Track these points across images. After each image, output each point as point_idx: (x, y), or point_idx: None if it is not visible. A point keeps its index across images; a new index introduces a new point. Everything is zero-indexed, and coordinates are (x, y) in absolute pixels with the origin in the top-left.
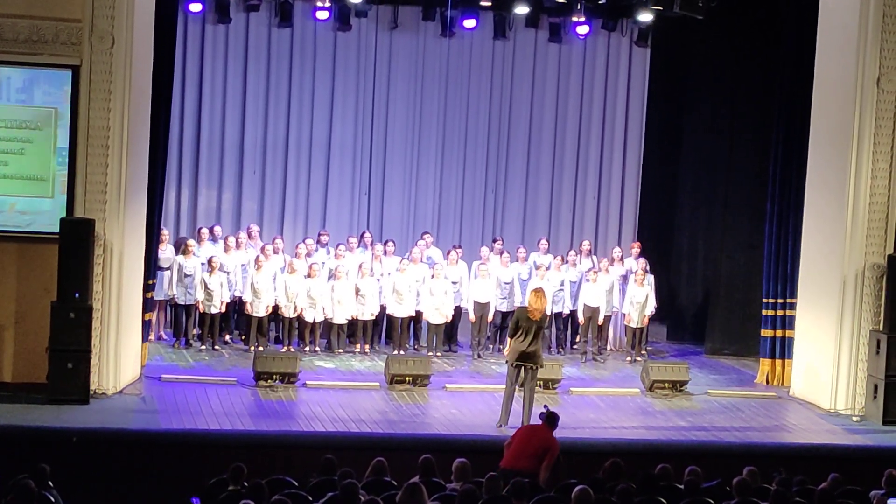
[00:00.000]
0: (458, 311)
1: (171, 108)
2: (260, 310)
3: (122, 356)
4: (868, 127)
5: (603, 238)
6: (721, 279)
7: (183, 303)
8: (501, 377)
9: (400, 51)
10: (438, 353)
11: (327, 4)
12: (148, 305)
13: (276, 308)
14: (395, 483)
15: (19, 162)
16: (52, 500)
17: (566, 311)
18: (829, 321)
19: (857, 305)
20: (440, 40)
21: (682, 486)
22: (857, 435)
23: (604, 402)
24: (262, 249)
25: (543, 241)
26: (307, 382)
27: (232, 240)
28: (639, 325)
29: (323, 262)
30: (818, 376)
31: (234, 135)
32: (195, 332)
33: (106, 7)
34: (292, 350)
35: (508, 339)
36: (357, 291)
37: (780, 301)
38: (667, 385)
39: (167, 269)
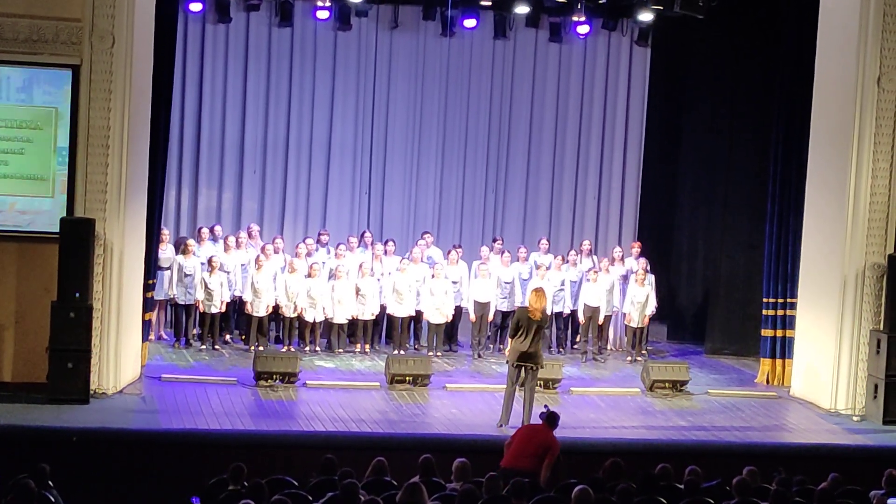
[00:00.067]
0: (459, 311)
1: (172, 108)
2: (260, 309)
3: (122, 356)
4: (868, 126)
5: (603, 238)
6: (721, 279)
7: (183, 302)
8: (502, 377)
9: (400, 50)
10: (439, 353)
11: (327, 4)
12: (148, 305)
13: (276, 308)
14: (395, 483)
15: (19, 161)
16: (52, 499)
17: (566, 311)
18: (830, 321)
19: (857, 305)
20: (440, 40)
21: (682, 486)
22: (857, 435)
23: (604, 402)
24: (263, 249)
25: (544, 241)
26: (307, 382)
27: (232, 239)
28: (639, 325)
29: (323, 262)
30: (818, 376)
31: (234, 134)
32: (195, 331)
33: (106, 6)
34: (292, 350)
35: (509, 340)
36: (357, 291)
37: (780, 301)
38: (667, 385)
39: (167, 268)
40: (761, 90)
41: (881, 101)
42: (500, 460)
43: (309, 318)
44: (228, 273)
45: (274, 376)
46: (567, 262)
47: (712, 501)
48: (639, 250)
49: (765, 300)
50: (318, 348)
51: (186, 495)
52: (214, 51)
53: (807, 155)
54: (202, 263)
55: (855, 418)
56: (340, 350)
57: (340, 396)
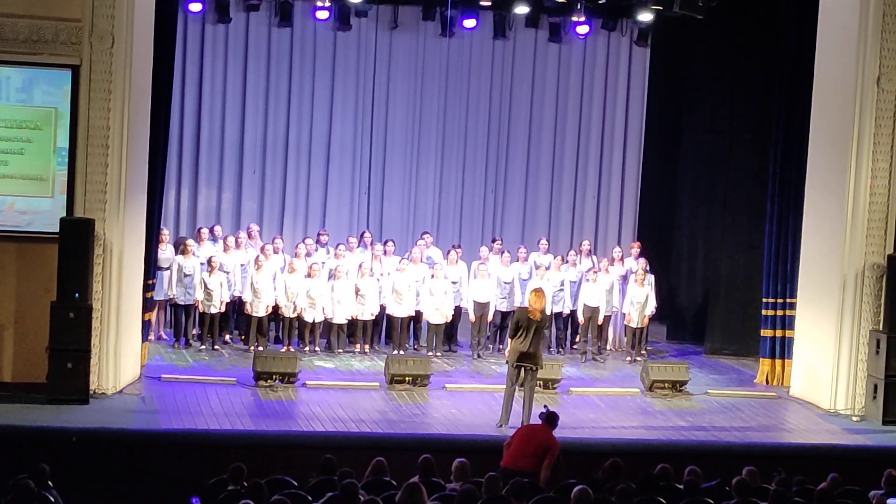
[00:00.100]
0: (458, 311)
1: (171, 108)
2: (260, 310)
3: (121, 356)
4: (868, 126)
5: (603, 238)
6: (721, 279)
7: (182, 303)
8: (501, 377)
9: (400, 50)
10: (438, 353)
11: (327, 4)
12: (148, 305)
13: (275, 308)
14: (394, 483)
15: (19, 161)
16: (52, 500)
17: (566, 311)
18: (829, 321)
19: (856, 305)
20: (440, 40)
21: (681, 487)
22: (856, 435)
23: (603, 402)
24: (262, 249)
25: (543, 241)
26: (307, 382)
27: (231, 239)
28: (639, 325)
29: (323, 262)
30: (818, 376)
31: (233, 134)
32: (195, 331)
33: (106, 7)
34: (292, 350)
35: (509, 340)
36: (357, 291)
37: (779, 301)
38: (666, 385)
39: (167, 269)
40: (761, 90)
41: (881, 102)
42: (499, 460)
43: (308, 318)
44: (228, 273)
45: (273, 376)
46: (567, 262)
47: (712, 501)
48: (638, 250)
49: (764, 300)
50: (317, 348)
51: (186, 495)
52: (214, 51)
53: (806, 155)
54: (202, 263)
55: (854, 418)
56: (340, 350)
57: (340, 396)
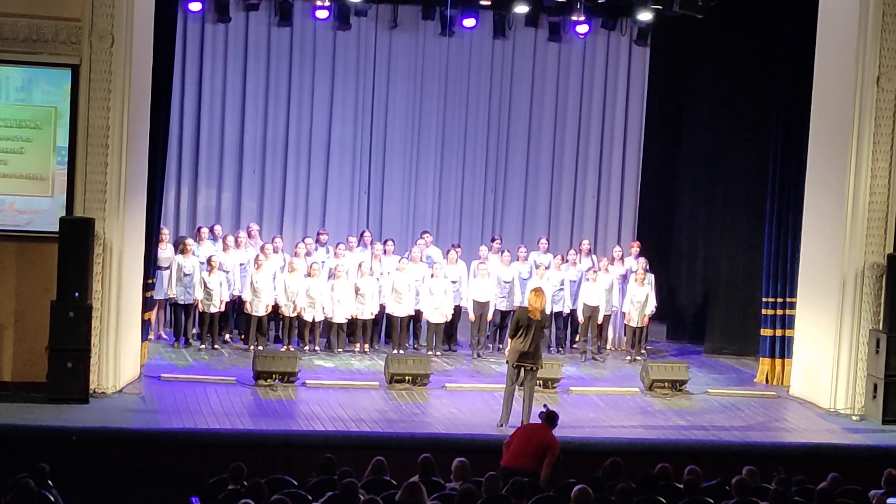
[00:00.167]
0: (458, 311)
1: (171, 108)
2: (259, 309)
3: (121, 355)
4: (868, 126)
5: (602, 237)
6: (721, 278)
7: (182, 302)
8: (501, 376)
9: (399, 50)
10: (438, 353)
11: (327, 3)
12: (147, 305)
13: (275, 307)
14: (394, 482)
15: (19, 161)
16: (52, 499)
17: (566, 311)
18: (829, 320)
19: (856, 305)
20: (440, 39)
21: (681, 486)
22: (856, 434)
23: (603, 402)
24: (262, 249)
25: (543, 241)
26: (307, 382)
27: (231, 239)
28: (639, 325)
29: (322, 262)
30: (818, 376)
31: (233, 134)
32: (194, 331)
33: (105, 6)
34: (292, 349)
35: (509, 340)
36: (357, 291)
37: (779, 300)
38: (666, 384)
39: (167, 268)
40: (761, 90)
41: (880, 101)
42: (499, 460)
43: (308, 317)
44: (228, 273)
45: (273, 376)
46: (566, 261)
47: (712, 501)
48: (638, 250)
49: (764, 300)
50: (317, 348)
51: (186, 495)
52: (214, 50)
53: (806, 155)
54: (201, 263)
55: (854, 418)
56: (340, 349)
57: (340, 396)
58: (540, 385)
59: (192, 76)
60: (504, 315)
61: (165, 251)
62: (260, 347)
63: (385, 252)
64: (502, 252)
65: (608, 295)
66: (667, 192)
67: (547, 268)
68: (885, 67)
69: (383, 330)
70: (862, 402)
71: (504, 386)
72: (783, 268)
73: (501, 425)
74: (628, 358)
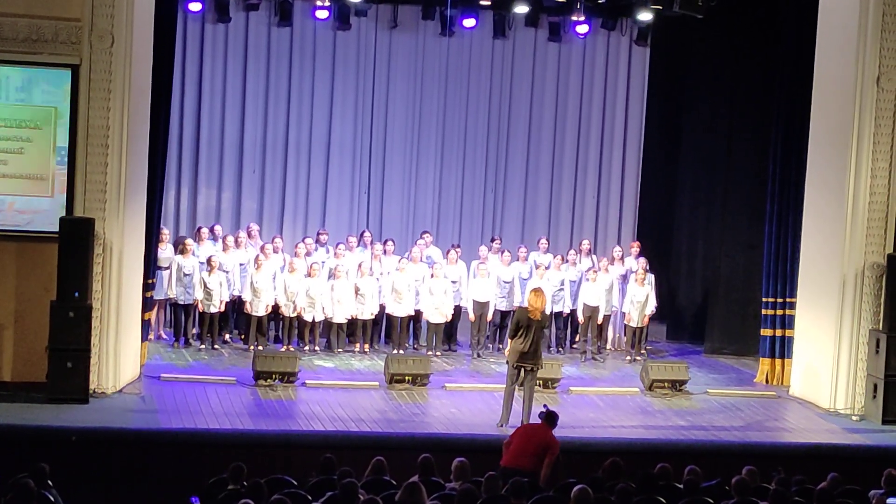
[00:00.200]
0: (458, 311)
1: (171, 108)
2: (259, 309)
3: (121, 355)
4: (868, 126)
5: (602, 237)
6: (720, 278)
7: (182, 302)
8: (501, 376)
9: (399, 50)
10: (438, 353)
11: (327, 3)
12: (147, 305)
13: (275, 307)
14: (394, 482)
15: (19, 161)
16: (52, 499)
17: (566, 311)
18: (829, 320)
19: (856, 305)
20: (440, 39)
21: (681, 486)
22: (856, 434)
23: (603, 402)
24: (262, 249)
25: (543, 241)
26: (307, 382)
27: (231, 239)
28: (639, 325)
29: (322, 262)
30: (818, 376)
31: (233, 134)
32: (194, 331)
33: (105, 6)
34: (292, 349)
35: (509, 340)
36: (356, 291)
37: (779, 300)
38: (666, 384)
39: (166, 268)
40: (761, 90)
41: (880, 101)
42: (499, 460)
43: (308, 317)
44: (227, 273)
45: (273, 376)
46: (566, 261)
47: (711, 501)
48: (638, 250)
49: (764, 300)
50: (317, 348)
51: (186, 495)
52: (214, 50)
53: (806, 155)
54: (201, 263)
55: (854, 418)
56: (340, 350)
57: (340, 396)
58: (540, 385)
59: (192, 76)
60: (504, 315)
61: (165, 251)
62: (260, 347)
63: (385, 252)
64: (502, 252)
65: (608, 295)
66: (667, 192)
67: (547, 268)
68: (884, 67)
69: (383, 330)
70: (862, 402)
71: (504, 386)
72: (783, 268)
73: (501, 425)
74: (628, 358)
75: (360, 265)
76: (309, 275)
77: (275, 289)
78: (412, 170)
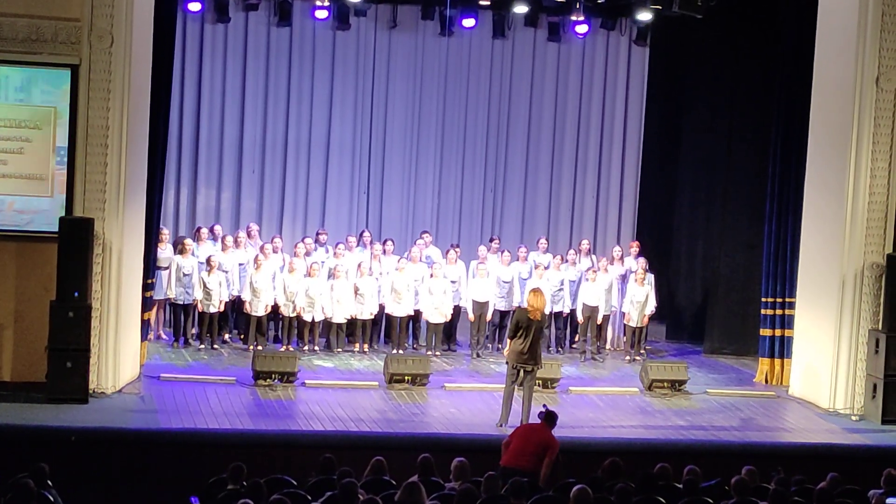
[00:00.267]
0: (457, 311)
1: (171, 108)
2: (259, 309)
3: (121, 355)
4: (867, 126)
5: (602, 237)
6: (720, 278)
7: (182, 302)
8: (500, 376)
9: (399, 50)
10: (437, 353)
11: (326, 3)
12: (147, 305)
13: (275, 307)
14: (394, 482)
15: (18, 161)
16: (52, 499)
17: (566, 311)
18: (829, 320)
19: (856, 304)
20: (439, 39)
21: (680, 486)
22: (855, 434)
23: (603, 402)
24: (262, 249)
25: (542, 241)
26: (306, 382)
27: (230, 239)
28: (638, 325)
29: (322, 262)
30: (817, 375)
31: (233, 134)
32: (194, 331)
33: (105, 6)
34: (291, 349)
35: (508, 341)
36: (356, 291)
37: (779, 300)
38: (666, 384)
39: (166, 268)
40: (760, 90)
41: (880, 101)
42: (498, 460)
43: (308, 317)
44: (227, 272)
45: (273, 376)
46: (566, 261)
47: (711, 501)
48: (637, 250)
49: (764, 300)
50: (316, 348)
51: (186, 495)
52: (213, 50)
53: (806, 154)
54: (200, 263)
55: (854, 418)
56: (339, 349)
57: (339, 396)
58: (539, 385)
59: (192, 76)
60: (503, 315)
61: (165, 251)
62: (259, 347)
63: (384, 252)
64: (502, 252)
65: (607, 295)
66: (666, 192)
67: (546, 268)
68: (884, 67)
69: (383, 330)
70: (861, 402)
71: (503, 386)
72: (783, 268)
73: (501, 425)
74: (627, 358)
75: (359, 265)
76: (308, 275)
77: (274, 289)
78: (411, 170)
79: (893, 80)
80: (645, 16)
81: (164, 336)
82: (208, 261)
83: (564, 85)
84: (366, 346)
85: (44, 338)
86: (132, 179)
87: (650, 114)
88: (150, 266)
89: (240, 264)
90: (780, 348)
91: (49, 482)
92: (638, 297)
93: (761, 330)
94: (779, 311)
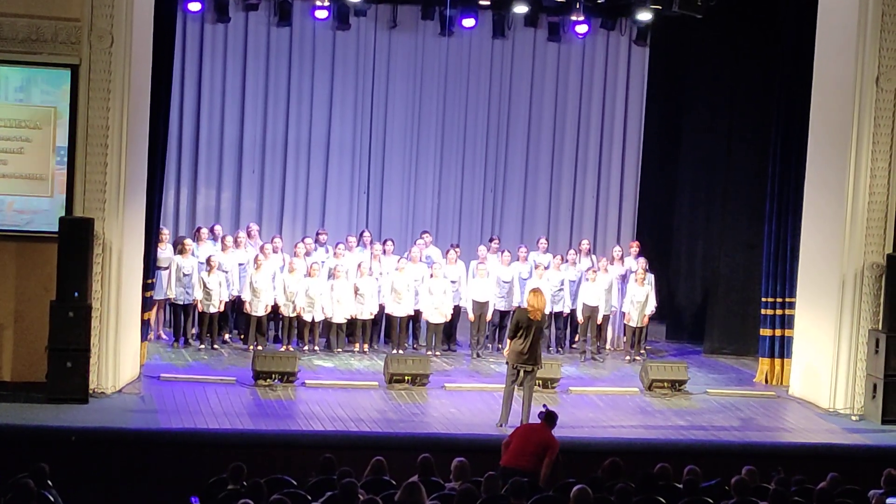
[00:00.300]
0: (457, 311)
1: (171, 108)
2: (259, 309)
3: (121, 355)
4: (867, 126)
5: (602, 237)
6: (720, 278)
7: (182, 302)
8: (500, 376)
9: (399, 50)
10: (437, 353)
11: (326, 3)
12: (147, 305)
13: (275, 307)
14: (394, 482)
15: (18, 161)
16: (52, 499)
17: (566, 311)
18: (829, 320)
19: (856, 304)
20: (439, 39)
21: (680, 486)
22: (855, 434)
23: (603, 402)
24: (262, 249)
25: (543, 241)
26: (306, 382)
27: (230, 239)
28: (639, 325)
29: (322, 262)
30: (817, 375)
31: (233, 134)
32: (194, 331)
33: (105, 6)
34: (291, 349)
35: (508, 341)
36: (356, 291)
37: (779, 300)
38: (666, 384)
39: (166, 268)
40: (760, 90)
41: (880, 101)
42: (498, 460)
43: (308, 317)
44: (227, 272)
45: (273, 376)
46: (566, 261)
47: (711, 501)
48: (637, 250)
49: (764, 299)
50: (316, 348)
51: (186, 495)
52: (213, 50)
53: (806, 154)
54: (200, 263)
55: (854, 418)
56: (339, 349)
57: (339, 396)
58: (539, 385)
59: (192, 76)
60: (503, 315)
61: (165, 251)
62: (259, 347)
63: (384, 252)
64: (502, 252)
65: (607, 295)
66: (666, 192)
67: (546, 268)
68: (884, 67)
69: (383, 330)
70: (861, 402)
71: (503, 386)
72: (783, 268)
73: (501, 425)
74: (627, 358)
75: (359, 265)
76: (308, 275)
77: (274, 289)
78: (411, 170)
79: (893, 80)
80: (645, 16)
81: (164, 336)
82: (208, 261)
83: (564, 85)
84: (366, 346)
85: (44, 338)
86: (132, 179)
87: (650, 114)
88: (150, 266)
89: (240, 264)
90: (780, 348)
91: (49, 482)
92: (638, 297)
93: (761, 330)
94: (779, 311)
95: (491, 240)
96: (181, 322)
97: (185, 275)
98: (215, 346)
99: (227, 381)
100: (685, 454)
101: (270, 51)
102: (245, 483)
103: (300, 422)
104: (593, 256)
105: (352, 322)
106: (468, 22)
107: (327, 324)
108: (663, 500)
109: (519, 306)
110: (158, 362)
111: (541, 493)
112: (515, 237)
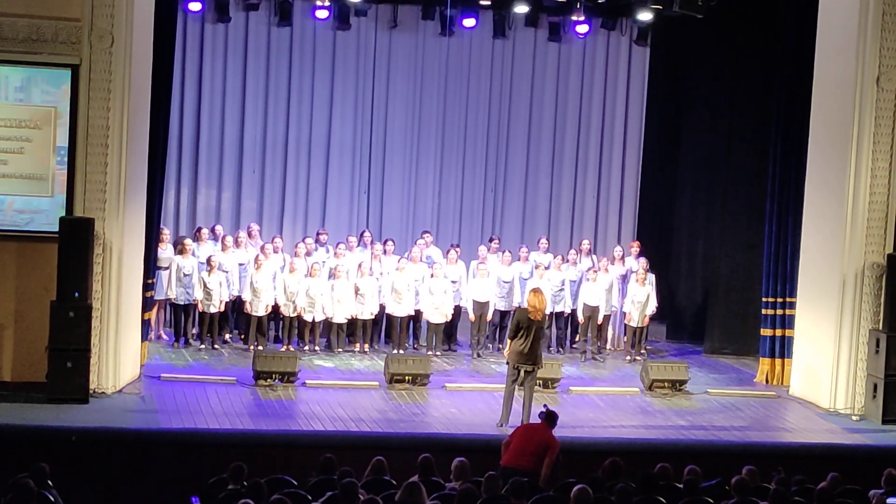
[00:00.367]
0: (458, 311)
1: (171, 107)
2: (259, 309)
3: (121, 355)
4: (868, 126)
5: (602, 237)
6: (720, 278)
7: (182, 302)
8: (501, 376)
9: (399, 50)
10: (438, 353)
11: (327, 3)
12: (147, 305)
13: (275, 307)
14: (394, 482)
15: (18, 161)
16: (52, 499)
17: (566, 311)
18: (829, 320)
19: (856, 304)
20: (440, 39)
21: (681, 486)
22: (856, 434)
23: (603, 402)
24: (262, 249)
25: (543, 241)
26: (307, 382)
27: (230, 239)
28: (639, 325)
29: (322, 262)
30: (818, 375)
31: (233, 134)
32: (194, 331)
33: (105, 6)
34: (292, 349)
35: (508, 341)
36: (356, 291)
37: (779, 300)
38: (666, 384)
39: (166, 268)
40: (761, 90)
41: (880, 101)
42: (499, 459)
43: (308, 317)
44: (227, 272)
45: (273, 376)
46: (566, 261)
47: (711, 501)
48: (638, 250)
49: (764, 299)
50: (317, 348)
51: (186, 495)
52: (213, 50)
53: (806, 154)
54: (201, 263)
55: (854, 418)
56: (340, 349)
57: (340, 396)
58: (540, 385)
59: (192, 76)
60: (504, 315)
61: (165, 251)
62: (260, 347)
63: (385, 252)
64: (502, 252)
65: (608, 295)
66: (667, 192)
67: (547, 268)
68: (884, 67)
69: (383, 330)
70: (862, 401)
71: (504, 386)
72: (783, 268)
73: (501, 425)
74: (628, 358)
75: (359, 265)
76: (309, 275)
77: (275, 289)
78: (412, 170)
79: (894, 80)
80: (645, 16)
81: (164, 336)
82: (209, 261)
83: (565, 85)
84: (366, 346)
85: (44, 338)
86: (132, 179)
87: (650, 114)
88: (151, 266)
89: (240, 264)
90: (781, 348)
91: (49, 482)
92: (639, 297)
93: (762, 330)
94: (779, 311)
95: (491, 240)
96: (181, 322)
97: (185, 275)
98: (216, 346)
99: (228, 381)
100: (685, 454)
101: (271, 51)
102: (245, 483)
103: (300, 422)
104: (594, 256)
105: (352, 322)
106: (468, 22)
107: (328, 324)
108: (664, 500)
109: (519, 306)
110: (159, 362)
111: (541, 493)
112: (516, 237)
